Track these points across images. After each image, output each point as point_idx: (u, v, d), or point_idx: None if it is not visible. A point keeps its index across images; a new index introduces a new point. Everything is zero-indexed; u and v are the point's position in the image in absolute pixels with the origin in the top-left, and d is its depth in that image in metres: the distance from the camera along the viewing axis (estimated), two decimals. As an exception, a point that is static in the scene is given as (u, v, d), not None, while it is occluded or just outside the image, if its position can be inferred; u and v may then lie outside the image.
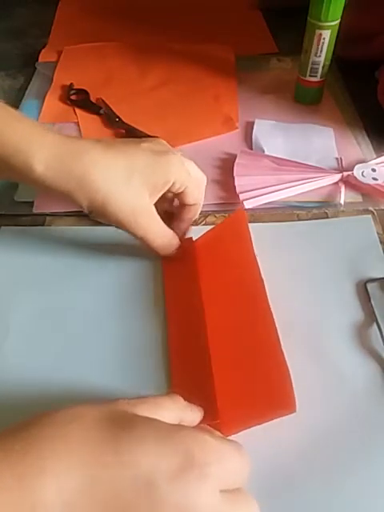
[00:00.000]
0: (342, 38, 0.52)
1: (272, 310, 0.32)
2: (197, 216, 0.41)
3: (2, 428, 0.23)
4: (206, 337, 0.34)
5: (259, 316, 0.33)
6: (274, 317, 0.32)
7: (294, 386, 0.28)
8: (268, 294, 0.33)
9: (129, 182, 0.35)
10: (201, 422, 0.29)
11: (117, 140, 0.38)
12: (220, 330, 0.34)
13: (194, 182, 0.38)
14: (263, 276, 0.34)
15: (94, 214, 0.36)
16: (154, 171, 0.35)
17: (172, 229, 0.39)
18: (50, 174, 0.34)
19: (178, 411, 0.27)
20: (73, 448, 0.22)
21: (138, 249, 0.40)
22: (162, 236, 0.38)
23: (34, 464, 0.21)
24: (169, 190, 0.37)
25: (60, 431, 0.23)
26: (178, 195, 0.38)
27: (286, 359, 0.29)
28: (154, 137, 0.46)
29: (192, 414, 0.28)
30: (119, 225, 0.36)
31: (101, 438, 0.23)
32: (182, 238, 0.40)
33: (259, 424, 0.28)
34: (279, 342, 0.30)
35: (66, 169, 0.34)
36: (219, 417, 0.30)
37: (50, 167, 0.34)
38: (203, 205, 0.45)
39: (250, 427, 0.29)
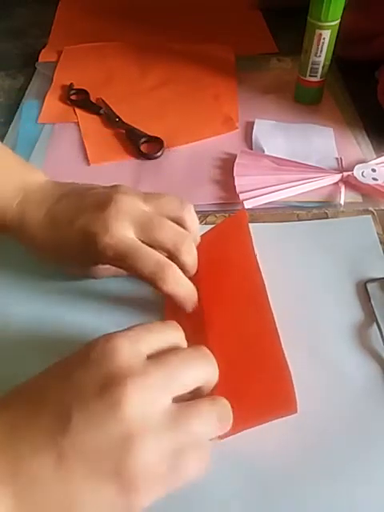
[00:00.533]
0: (342, 38, 0.52)
1: (272, 310, 0.32)
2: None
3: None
4: (206, 337, 0.34)
5: (260, 317, 0.33)
6: (274, 317, 0.32)
7: (295, 386, 0.28)
8: (268, 294, 0.33)
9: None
10: None
11: (59, 210, 0.36)
12: (220, 330, 0.34)
13: (137, 251, 0.33)
14: (263, 276, 0.34)
15: None
16: (83, 257, 0.35)
17: None
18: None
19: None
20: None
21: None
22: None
23: None
24: None
25: None
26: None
27: (287, 360, 0.29)
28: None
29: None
30: None
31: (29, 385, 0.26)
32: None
33: (260, 425, 0.28)
34: (280, 342, 0.30)
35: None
36: None
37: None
38: (203, 205, 0.45)
39: (250, 428, 0.29)
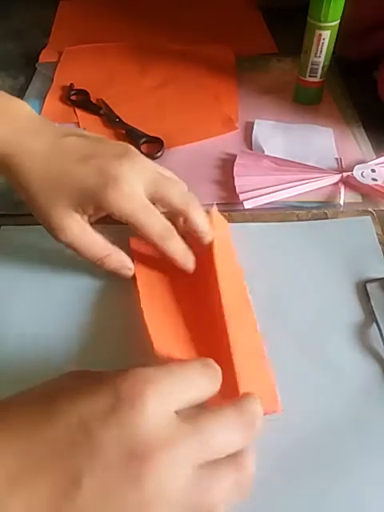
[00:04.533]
0: (341, 34, 0.52)
1: (271, 310, 0.32)
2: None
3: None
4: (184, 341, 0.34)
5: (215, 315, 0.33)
6: (274, 317, 0.32)
7: (289, 386, 0.27)
8: (267, 295, 0.33)
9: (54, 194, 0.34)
10: None
11: (70, 144, 0.36)
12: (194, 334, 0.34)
13: (146, 211, 0.34)
14: (262, 276, 0.34)
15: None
16: (81, 197, 0.34)
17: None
18: None
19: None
20: (9, 423, 0.22)
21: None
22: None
23: None
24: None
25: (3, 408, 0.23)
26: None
27: (267, 358, 0.29)
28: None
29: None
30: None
31: (36, 408, 0.22)
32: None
33: None
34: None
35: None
36: None
37: None
38: (203, 205, 0.45)
39: None
